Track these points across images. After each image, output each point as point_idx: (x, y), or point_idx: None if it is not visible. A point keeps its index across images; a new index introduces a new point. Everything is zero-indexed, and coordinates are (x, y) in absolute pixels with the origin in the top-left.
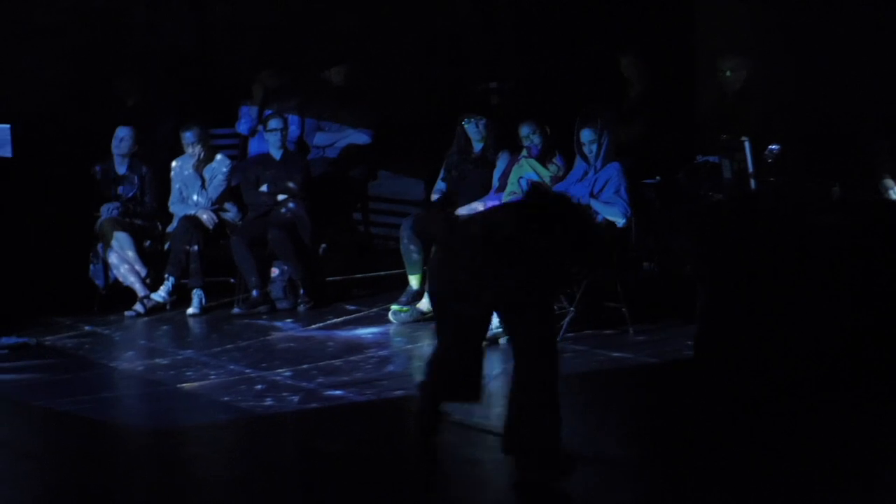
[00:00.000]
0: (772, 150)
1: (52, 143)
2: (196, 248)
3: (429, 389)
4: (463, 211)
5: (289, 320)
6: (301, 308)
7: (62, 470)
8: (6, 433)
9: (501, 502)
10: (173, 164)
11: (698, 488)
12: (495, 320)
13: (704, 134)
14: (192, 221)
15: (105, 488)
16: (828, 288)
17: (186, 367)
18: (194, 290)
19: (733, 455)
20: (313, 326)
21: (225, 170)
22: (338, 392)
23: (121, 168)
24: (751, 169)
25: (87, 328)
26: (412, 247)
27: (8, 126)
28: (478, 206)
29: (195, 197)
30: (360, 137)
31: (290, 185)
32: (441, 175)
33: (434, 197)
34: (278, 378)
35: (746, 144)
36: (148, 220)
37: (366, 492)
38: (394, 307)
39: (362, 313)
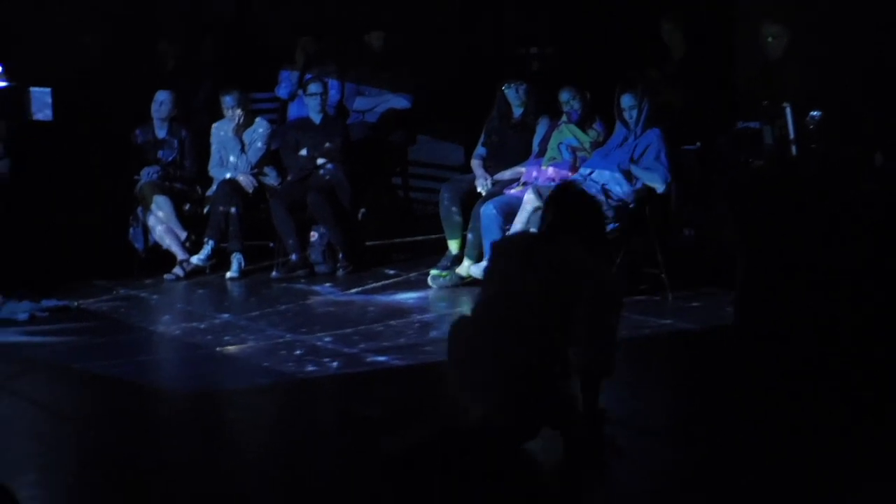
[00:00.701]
0: (813, 116)
1: (92, 106)
2: (235, 211)
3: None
4: (501, 177)
5: (327, 284)
6: (340, 272)
7: (101, 432)
8: (46, 396)
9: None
10: (213, 127)
11: (737, 455)
12: None
13: (745, 100)
14: (231, 185)
15: (143, 451)
16: (868, 255)
17: (225, 331)
18: (233, 254)
19: (772, 422)
20: (352, 291)
21: (264, 133)
22: (380, 357)
23: (161, 132)
24: (792, 135)
25: (126, 292)
26: (452, 211)
27: (48, 90)
28: (518, 171)
29: (235, 161)
30: (399, 102)
31: (330, 148)
32: (481, 140)
33: (474, 162)
34: (318, 343)
35: (788, 110)
36: (188, 183)
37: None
38: (433, 272)
39: (401, 278)
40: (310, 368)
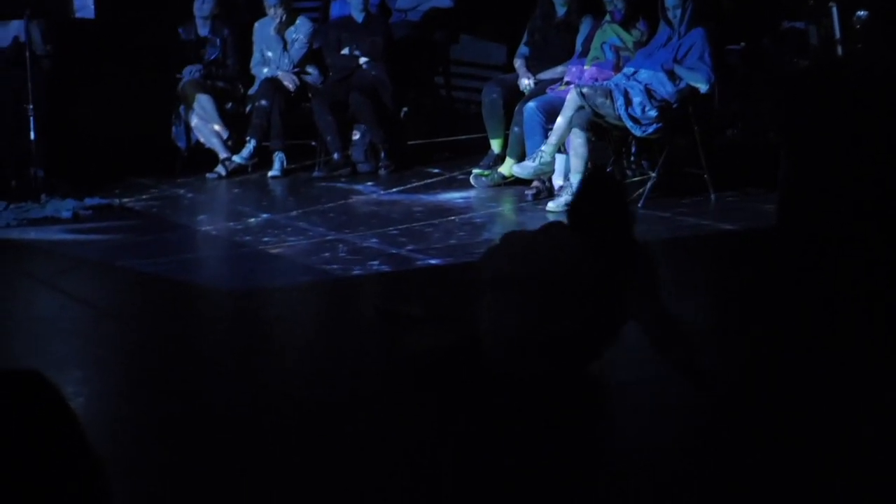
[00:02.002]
0: (860, 15)
1: (134, 4)
2: (277, 110)
3: None
4: (544, 76)
5: (369, 183)
6: (382, 171)
7: (144, 329)
8: (90, 293)
9: None
10: (255, 26)
11: (777, 356)
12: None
13: None
14: (273, 84)
15: (185, 348)
16: None
17: (268, 230)
18: (275, 153)
19: (814, 323)
20: (395, 190)
21: (307, 32)
22: (429, 259)
23: (203, 30)
24: (838, 35)
25: (168, 190)
26: (495, 110)
27: None
28: (560, 71)
29: (277, 59)
30: (442, 1)
31: (372, 46)
32: (524, 39)
33: (517, 62)
34: (363, 242)
35: (834, 10)
36: (230, 82)
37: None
38: (475, 171)
39: (444, 177)
40: (354, 268)
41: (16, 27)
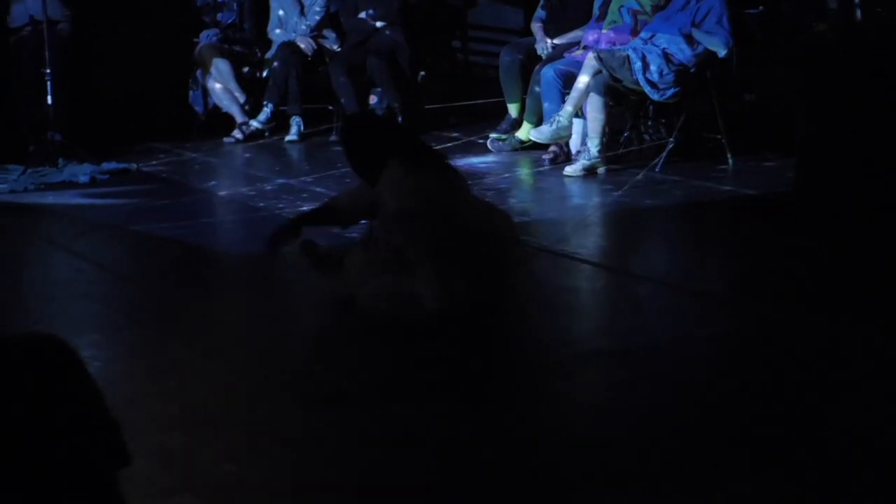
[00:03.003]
0: None
1: None
2: (294, 74)
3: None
4: (561, 41)
5: None
6: None
7: (161, 293)
8: (107, 257)
9: (601, 329)
10: None
11: (793, 322)
12: (592, 146)
13: None
14: (290, 48)
15: (201, 312)
16: None
17: (285, 194)
18: (293, 117)
19: (830, 288)
20: None
21: None
22: None
23: None
24: None
25: (186, 154)
26: (511, 74)
27: None
28: (578, 35)
29: (294, 23)
30: None
31: (389, 10)
32: (541, 3)
33: (534, 26)
34: None
35: None
36: (247, 46)
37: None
38: (492, 135)
39: (462, 141)
40: None
41: None
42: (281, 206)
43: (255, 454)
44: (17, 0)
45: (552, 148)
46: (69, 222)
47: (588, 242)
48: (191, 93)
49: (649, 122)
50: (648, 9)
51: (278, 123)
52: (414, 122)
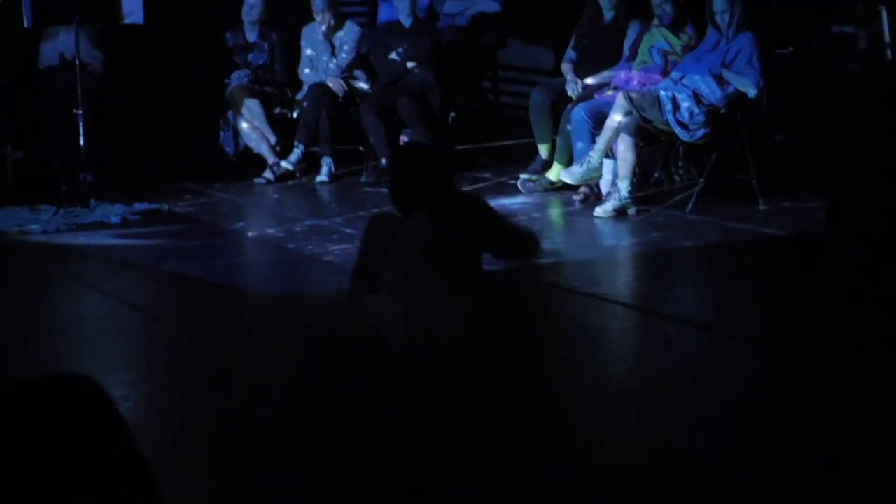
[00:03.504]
0: None
1: (183, 10)
2: (325, 115)
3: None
4: (592, 81)
5: None
6: None
7: (192, 333)
8: (138, 296)
9: (633, 369)
10: (303, 30)
11: (825, 361)
12: (622, 187)
13: (840, 3)
14: (321, 89)
15: (232, 352)
16: None
17: (315, 235)
18: (323, 158)
19: (862, 329)
20: None
21: (355, 37)
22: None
23: (251, 35)
24: (887, 39)
25: (217, 195)
26: (542, 114)
27: None
28: (608, 76)
29: (325, 64)
30: (489, 5)
31: (420, 51)
32: (571, 44)
33: (564, 66)
34: None
35: (884, 13)
36: (278, 87)
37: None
38: (523, 176)
39: (492, 182)
40: None
41: (65, 34)
42: (310, 247)
43: (286, 497)
44: (47, 38)
45: (583, 189)
46: (100, 262)
47: (620, 283)
48: (222, 133)
49: (679, 163)
50: (679, 49)
51: (309, 164)
52: (445, 162)
